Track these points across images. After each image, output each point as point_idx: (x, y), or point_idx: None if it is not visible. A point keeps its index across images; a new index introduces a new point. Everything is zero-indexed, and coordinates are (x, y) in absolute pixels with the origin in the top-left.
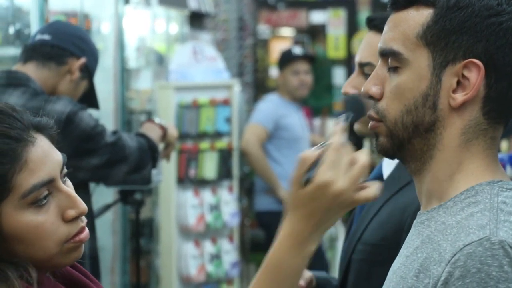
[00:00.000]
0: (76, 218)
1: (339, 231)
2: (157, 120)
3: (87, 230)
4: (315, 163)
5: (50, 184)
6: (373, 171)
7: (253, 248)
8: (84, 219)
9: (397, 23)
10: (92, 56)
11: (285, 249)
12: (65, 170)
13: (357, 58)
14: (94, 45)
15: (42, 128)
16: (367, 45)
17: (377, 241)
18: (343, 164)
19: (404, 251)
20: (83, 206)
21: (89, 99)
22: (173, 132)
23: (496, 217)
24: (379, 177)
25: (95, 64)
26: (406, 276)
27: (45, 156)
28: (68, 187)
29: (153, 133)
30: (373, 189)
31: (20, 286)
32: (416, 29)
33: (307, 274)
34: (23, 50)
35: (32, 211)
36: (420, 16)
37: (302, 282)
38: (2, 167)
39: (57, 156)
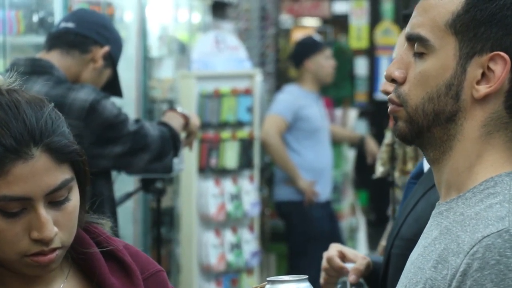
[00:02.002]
0: (39, 241)
1: (360, 221)
2: (179, 109)
3: (51, 257)
4: None
5: (25, 201)
6: (417, 164)
7: (273, 238)
8: (52, 244)
9: (426, 8)
10: (116, 45)
11: None
12: (60, 194)
13: (394, 55)
14: (118, 34)
15: (54, 149)
16: (403, 43)
17: (412, 236)
18: None
19: (422, 241)
20: (48, 233)
21: (113, 87)
22: (195, 121)
23: None
24: (421, 171)
25: (119, 52)
26: (424, 267)
27: (31, 176)
28: (63, 209)
29: (175, 122)
30: None
31: None
32: (445, 16)
33: (362, 262)
34: (47, 38)
35: (0, 215)
36: (451, 4)
37: (352, 278)
38: None
39: (49, 181)
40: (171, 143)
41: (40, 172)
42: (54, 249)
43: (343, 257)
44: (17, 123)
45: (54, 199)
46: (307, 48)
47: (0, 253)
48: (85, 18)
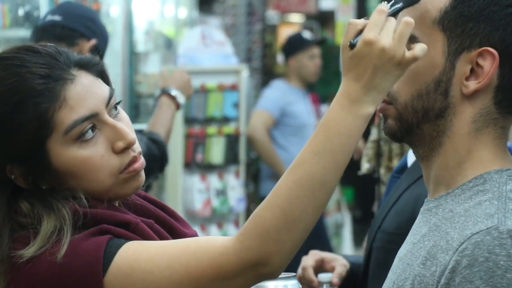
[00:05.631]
0: (126, 149)
1: (345, 218)
2: (173, 92)
3: (142, 159)
4: (361, 31)
5: (93, 118)
6: (401, 160)
7: None
8: (136, 149)
9: (414, 6)
10: (102, 38)
11: (337, 109)
12: (114, 102)
13: None
14: (104, 27)
15: (84, 65)
16: None
17: (393, 229)
18: (387, 23)
19: (411, 238)
20: (131, 136)
21: None
22: (187, 89)
23: (505, 206)
24: (405, 166)
25: (105, 46)
26: (412, 264)
27: (85, 92)
28: (120, 119)
29: (169, 111)
30: (421, 46)
31: (68, 212)
32: (433, 13)
33: (345, 266)
34: (34, 31)
35: (78, 146)
36: (438, 1)
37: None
38: (41, 105)
39: (101, 91)
40: (158, 163)
41: (90, 86)
42: (140, 153)
43: (321, 263)
44: (50, 59)
45: (110, 111)
46: (292, 45)
47: (94, 186)
48: (71, 11)
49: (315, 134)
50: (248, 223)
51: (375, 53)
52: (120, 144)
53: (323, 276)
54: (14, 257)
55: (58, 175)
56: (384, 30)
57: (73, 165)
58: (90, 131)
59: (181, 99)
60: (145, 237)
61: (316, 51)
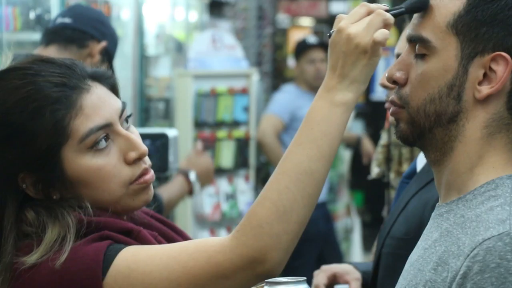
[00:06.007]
0: (138, 160)
1: (355, 222)
2: (192, 177)
3: (152, 172)
4: None
5: (107, 128)
6: (411, 164)
7: None
8: (147, 161)
9: (428, 9)
10: (112, 40)
11: (316, 99)
12: (126, 115)
13: (397, 50)
14: (113, 29)
15: (99, 77)
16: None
17: (402, 235)
18: (360, 13)
19: (422, 243)
20: (143, 148)
21: None
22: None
23: None
24: (414, 171)
25: (115, 48)
26: (423, 269)
27: (101, 102)
28: (131, 132)
29: (179, 192)
30: (380, 31)
31: (73, 220)
32: (447, 17)
33: (358, 280)
34: (44, 33)
35: (92, 154)
36: (452, 5)
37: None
38: (58, 113)
39: (115, 103)
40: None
41: (104, 97)
42: (150, 166)
43: (334, 278)
44: (67, 69)
45: (122, 123)
46: (296, 49)
47: (105, 196)
48: (82, 13)
49: (300, 127)
50: (243, 220)
51: (343, 40)
52: (133, 155)
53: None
54: (16, 263)
55: (70, 184)
56: (360, 21)
57: (86, 174)
58: (103, 140)
59: (197, 186)
60: (147, 244)
61: (316, 55)
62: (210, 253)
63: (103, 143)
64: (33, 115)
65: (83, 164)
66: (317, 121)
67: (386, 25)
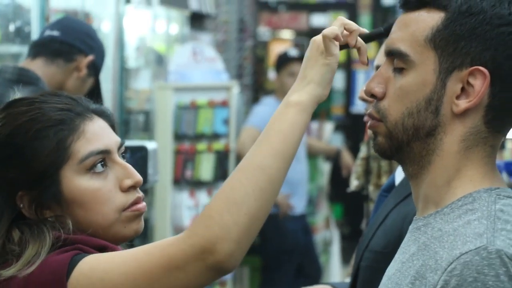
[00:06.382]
0: (133, 188)
1: (334, 235)
2: None
3: (144, 203)
4: None
5: (106, 154)
6: (389, 177)
7: (247, 251)
8: (140, 192)
9: (406, 23)
10: (99, 54)
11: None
12: (123, 150)
13: (376, 62)
14: (101, 43)
15: (100, 112)
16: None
17: (381, 248)
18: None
19: (399, 256)
20: (138, 177)
21: (94, 96)
22: None
23: (493, 226)
24: (393, 184)
25: (102, 62)
26: (401, 283)
27: (101, 131)
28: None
29: None
30: (332, 27)
31: (51, 238)
32: (425, 31)
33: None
34: (32, 46)
35: (89, 177)
36: (430, 19)
37: None
38: (61, 133)
39: (114, 136)
40: None
41: (105, 128)
42: (143, 197)
43: None
44: (73, 100)
45: (119, 156)
46: (277, 62)
47: (99, 219)
48: (70, 26)
49: None
50: (199, 214)
51: (309, 46)
52: (128, 182)
53: None
54: None
55: (66, 205)
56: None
57: (82, 194)
58: (101, 165)
59: None
60: None
61: (297, 68)
62: (164, 246)
63: (100, 168)
64: (36, 135)
65: (80, 184)
66: (272, 121)
67: (347, 29)
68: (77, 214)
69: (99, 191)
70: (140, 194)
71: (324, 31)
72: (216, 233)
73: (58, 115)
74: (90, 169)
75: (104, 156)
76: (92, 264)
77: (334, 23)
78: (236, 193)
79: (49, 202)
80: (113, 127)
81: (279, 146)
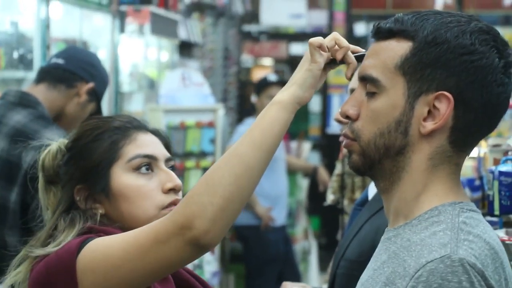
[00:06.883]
0: (173, 191)
1: (312, 245)
2: None
3: None
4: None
5: (152, 159)
6: (363, 192)
7: (232, 259)
8: (180, 196)
9: (378, 51)
10: (101, 81)
11: None
12: (171, 164)
13: (351, 86)
14: (104, 71)
15: (156, 132)
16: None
17: (356, 257)
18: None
19: (372, 264)
20: (179, 182)
21: None
22: None
23: (457, 236)
24: (366, 199)
25: (104, 89)
26: None
27: (152, 143)
28: None
29: None
30: (318, 37)
31: (80, 227)
32: (395, 59)
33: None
34: (38, 72)
35: (136, 175)
36: (399, 48)
37: None
38: (115, 136)
39: (164, 150)
40: None
41: (156, 143)
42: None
43: None
44: (129, 118)
45: (168, 166)
46: (257, 86)
47: (140, 212)
48: (74, 55)
49: None
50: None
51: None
52: (169, 185)
53: None
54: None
55: (113, 197)
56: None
57: (127, 189)
58: (145, 168)
59: None
60: None
61: (276, 91)
62: (154, 224)
63: (145, 170)
64: (95, 138)
65: (127, 180)
66: (257, 118)
67: (337, 44)
68: (121, 207)
69: (142, 187)
70: (179, 197)
71: (310, 40)
72: (192, 211)
73: (116, 123)
74: (137, 169)
75: (150, 161)
76: (98, 242)
77: (328, 37)
78: (214, 177)
79: (100, 196)
80: (166, 146)
81: (258, 138)
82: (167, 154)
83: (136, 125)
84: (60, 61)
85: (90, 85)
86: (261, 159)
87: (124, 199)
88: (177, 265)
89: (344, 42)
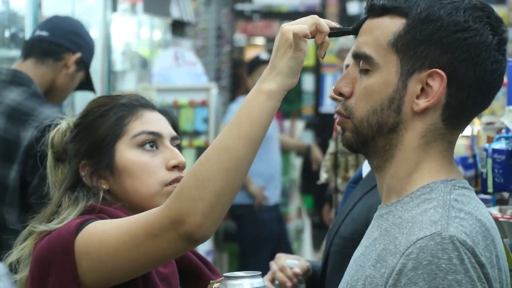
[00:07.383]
0: (177, 168)
1: (305, 223)
2: None
3: None
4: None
5: (156, 136)
6: (356, 171)
7: (226, 238)
8: (184, 172)
9: (371, 28)
10: (87, 50)
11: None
12: (177, 143)
13: (346, 62)
14: (90, 38)
15: (164, 112)
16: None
17: (349, 234)
18: (305, 19)
19: (364, 241)
20: (183, 159)
21: (86, 85)
22: None
23: (448, 214)
24: (360, 176)
25: (91, 57)
26: (364, 265)
27: (159, 121)
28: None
29: None
30: (302, 26)
31: (82, 206)
32: (388, 36)
33: (305, 263)
34: (23, 46)
35: (140, 151)
36: (393, 25)
37: (297, 270)
38: (121, 112)
39: (170, 129)
40: None
41: (162, 121)
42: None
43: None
44: (138, 96)
45: (173, 144)
46: (249, 65)
47: (143, 188)
48: (58, 25)
49: None
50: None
51: (278, 36)
52: (173, 162)
53: (292, 262)
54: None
55: (117, 173)
56: (296, 22)
57: (131, 164)
58: (150, 144)
59: None
60: None
61: None
62: (148, 215)
63: (149, 147)
64: (102, 114)
65: (131, 156)
66: (242, 106)
67: (318, 29)
68: (125, 182)
69: (146, 163)
70: (182, 174)
71: (295, 29)
72: (184, 206)
73: (123, 100)
74: (141, 145)
75: (154, 138)
76: (96, 225)
77: (307, 20)
78: (204, 171)
79: (104, 172)
80: (174, 126)
81: (246, 129)
82: (173, 133)
83: (143, 103)
84: (44, 33)
85: (78, 55)
86: (250, 151)
87: (128, 174)
88: (171, 256)
89: (324, 27)
